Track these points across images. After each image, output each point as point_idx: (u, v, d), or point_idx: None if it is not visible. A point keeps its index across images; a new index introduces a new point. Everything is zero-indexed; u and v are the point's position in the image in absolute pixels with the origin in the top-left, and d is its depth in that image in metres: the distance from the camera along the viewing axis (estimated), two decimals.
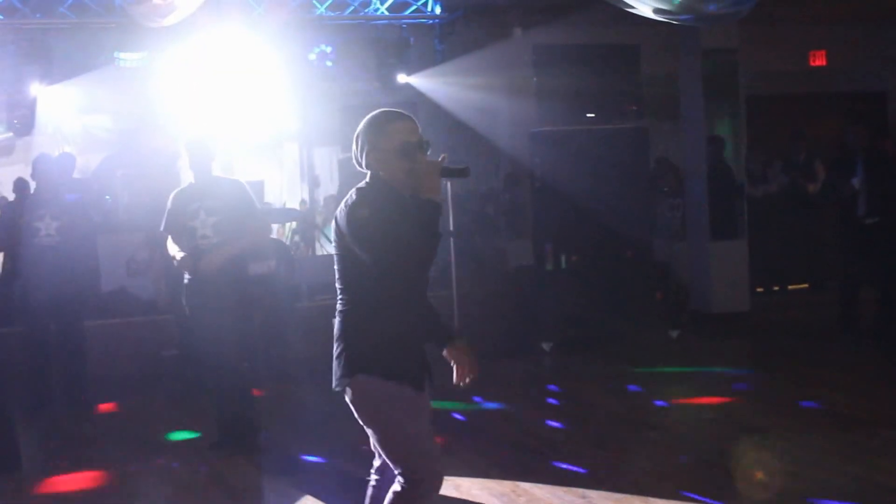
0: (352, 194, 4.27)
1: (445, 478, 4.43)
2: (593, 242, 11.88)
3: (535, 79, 12.18)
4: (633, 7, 9.52)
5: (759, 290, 14.72)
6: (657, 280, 12.23)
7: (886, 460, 7.07)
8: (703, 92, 12.74)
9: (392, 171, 4.26)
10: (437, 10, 13.01)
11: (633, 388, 9.75)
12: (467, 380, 4.50)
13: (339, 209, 4.28)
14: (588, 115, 12.03)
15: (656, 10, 9.81)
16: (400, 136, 4.26)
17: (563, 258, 11.76)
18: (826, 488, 6.49)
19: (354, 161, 4.36)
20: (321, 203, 15.29)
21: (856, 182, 11.70)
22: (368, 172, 4.32)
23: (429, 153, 4.32)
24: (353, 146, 4.33)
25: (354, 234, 4.16)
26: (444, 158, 4.29)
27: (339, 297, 4.39)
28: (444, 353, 4.54)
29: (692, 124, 12.99)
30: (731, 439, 7.70)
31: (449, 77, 12.93)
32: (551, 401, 9.48)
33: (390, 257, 4.11)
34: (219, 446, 7.99)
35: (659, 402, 9.08)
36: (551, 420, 8.67)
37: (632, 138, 12.11)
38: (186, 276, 7.84)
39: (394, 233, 4.11)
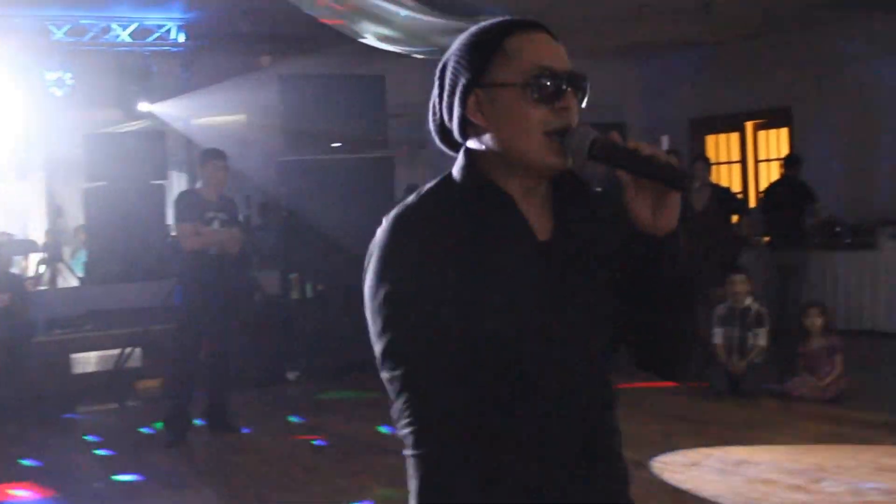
0: None
1: None
2: (340, 271, 11.92)
3: (282, 108, 12.18)
4: (365, 38, 9.70)
5: None
6: None
7: None
8: None
9: None
10: (182, 38, 12.85)
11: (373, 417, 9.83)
12: None
13: None
14: (334, 144, 12.09)
15: (400, 45, 10.02)
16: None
17: (308, 287, 11.77)
18: None
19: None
20: (70, 233, 14.91)
21: None
22: None
23: None
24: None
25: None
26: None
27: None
28: None
29: (439, 154, 13.16)
30: None
31: (195, 106, 12.81)
32: (296, 428, 9.49)
33: None
34: None
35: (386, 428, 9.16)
36: (292, 447, 8.68)
37: (377, 168, 12.23)
38: None
39: None
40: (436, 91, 2.26)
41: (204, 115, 12.93)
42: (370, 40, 9.29)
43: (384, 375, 2.15)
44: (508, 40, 2.19)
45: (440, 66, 2.25)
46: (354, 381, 11.26)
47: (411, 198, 2.23)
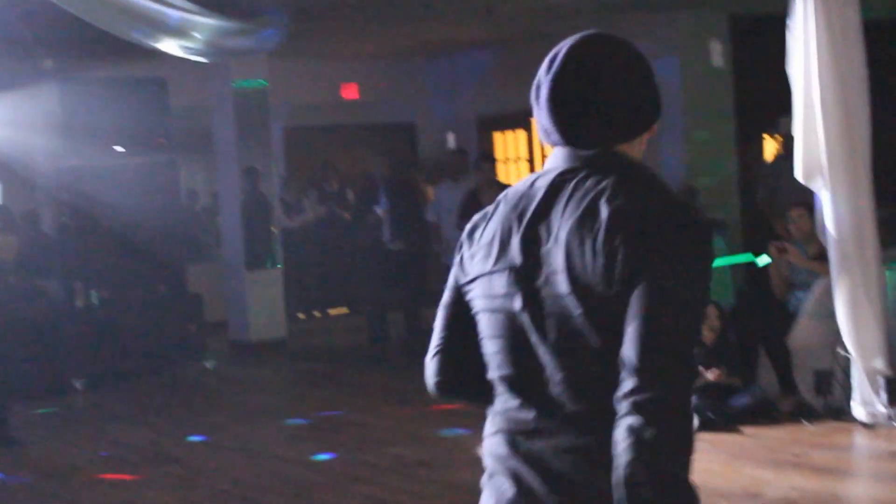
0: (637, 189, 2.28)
1: None
2: (126, 277, 11.77)
3: (63, 113, 11.92)
4: (160, 47, 9.56)
5: (301, 316, 15.08)
6: (190, 311, 12.26)
7: (395, 477, 7.44)
8: (235, 124, 12.87)
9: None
10: None
11: (163, 421, 9.73)
12: None
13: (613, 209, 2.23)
14: (117, 148, 11.91)
15: (182, 48, 9.90)
16: None
17: (93, 294, 11.56)
18: None
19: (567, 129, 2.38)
20: None
21: (379, 210, 12.26)
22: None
23: None
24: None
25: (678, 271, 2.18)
26: None
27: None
28: None
29: (225, 156, 13.11)
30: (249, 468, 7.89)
31: None
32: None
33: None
34: None
35: (194, 437, 9.09)
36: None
37: (162, 171, 12.10)
38: None
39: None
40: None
41: None
42: (168, 48, 9.17)
43: (685, 360, 2.14)
44: None
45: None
46: (140, 386, 11.15)
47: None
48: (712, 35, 12.91)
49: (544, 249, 2.27)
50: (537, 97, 2.41)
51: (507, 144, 16.63)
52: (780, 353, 8.43)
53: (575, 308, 2.21)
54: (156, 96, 12.14)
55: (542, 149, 16.13)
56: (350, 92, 16.28)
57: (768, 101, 11.17)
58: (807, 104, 7.57)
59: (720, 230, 11.41)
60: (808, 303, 8.40)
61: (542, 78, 2.39)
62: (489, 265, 2.37)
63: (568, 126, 2.36)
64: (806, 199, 8.14)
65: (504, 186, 12.06)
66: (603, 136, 2.35)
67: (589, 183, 2.28)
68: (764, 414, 8.21)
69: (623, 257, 2.16)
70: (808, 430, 7.94)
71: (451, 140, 15.22)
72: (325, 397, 10.40)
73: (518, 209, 2.35)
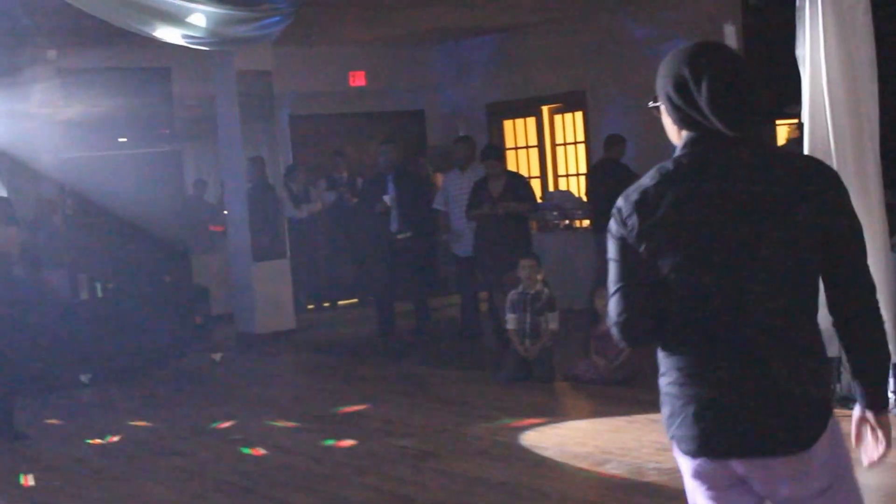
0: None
1: None
2: (131, 269, 11.67)
3: (65, 103, 11.84)
4: (160, 37, 9.43)
5: (311, 307, 14.98)
6: (197, 303, 12.15)
7: (401, 469, 7.33)
8: (239, 113, 12.76)
9: None
10: None
11: (168, 414, 9.63)
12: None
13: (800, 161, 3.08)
14: (120, 139, 11.81)
15: (185, 37, 9.77)
16: None
17: (98, 287, 11.46)
18: (341, 501, 6.67)
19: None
20: None
21: (388, 199, 12.13)
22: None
23: None
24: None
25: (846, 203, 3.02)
26: None
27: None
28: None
29: (230, 146, 12.99)
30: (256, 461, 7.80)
31: None
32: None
33: None
34: None
35: (200, 430, 8.97)
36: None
37: (166, 161, 12.00)
38: None
39: None
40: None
41: None
42: (161, 37, 9.05)
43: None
44: None
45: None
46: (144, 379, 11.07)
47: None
48: (725, 18, 12.73)
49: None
50: (697, 94, 3.00)
51: (517, 132, 16.50)
52: None
53: None
54: (159, 86, 12.02)
55: (552, 136, 16.00)
56: (358, 79, 16.14)
57: (781, 86, 10.99)
58: (814, 89, 7.40)
59: None
60: None
61: (702, 71, 3.00)
62: None
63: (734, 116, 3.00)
64: None
65: (513, 175, 11.96)
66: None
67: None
68: None
69: None
70: None
71: (461, 128, 15.07)
72: (333, 389, 10.30)
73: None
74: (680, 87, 3.02)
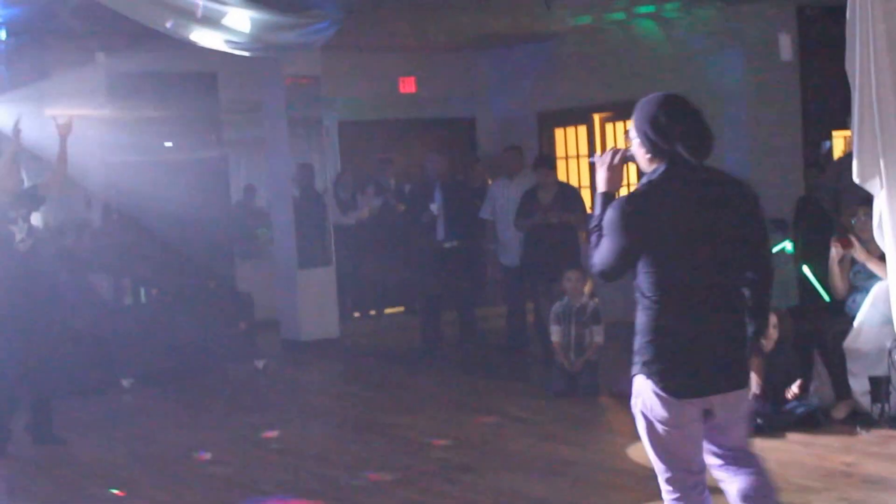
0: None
1: None
2: (175, 274, 11.63)
3: (112, 107, 11.82)
4: (202, 42, 9.38)
5: (357, 314, 14.89)
6: (241, 310, 12.08)
7: (440, 482, 7.21)
8: (286, 119, 12.69)
9: None
10: (2, 36, 12.33)
11: (208, 421, 9.55)
12: None
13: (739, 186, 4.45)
14: (166, 144, 11.78)
15: (228, 42, 9.72)
16: None
17: (142, 292, 11.43)
18: None
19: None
20: None
21: (434, 208, 12.02)
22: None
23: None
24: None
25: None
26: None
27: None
28: None
29: (277, 152, 12.93)
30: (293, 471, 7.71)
31: (18, 104, 12.28)
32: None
33: None
34: None
35: (239, 438, 8.88)
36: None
37: (212, 167, 11.95)
38: None
39: None
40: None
41: (29, 114, 12.40)
42: (201, 41, 9.01)
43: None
44: None
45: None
46: (190, 385, 11.00)
47: None
48: (780, 27, 12.52)
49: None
50: (676, 129, 4.29)
51: (568, 141, 16.32)
52: (836, 358, 8.10)
53: None
54: (206, 91, 11.98)
55: (603, 146, 15.81)
56: (408, 85, 16.02)
57: (836, 97, 10.78)
58: (864, 101, 7.20)
59: (782, 229, 11.07)
60: (864, 306, 8.07)
61: (675, 118, 4.33)
62: None
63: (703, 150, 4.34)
64: (872, 198, 7.78)
65: (564, 185, 11.82)
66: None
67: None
68: (815, 421, 7.88)
69: None
70: (861, 438, 7.61)
71: (511, 137, 14.87)
72: (375, 398, 10.20)
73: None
74: (657, 127, 4.28)
